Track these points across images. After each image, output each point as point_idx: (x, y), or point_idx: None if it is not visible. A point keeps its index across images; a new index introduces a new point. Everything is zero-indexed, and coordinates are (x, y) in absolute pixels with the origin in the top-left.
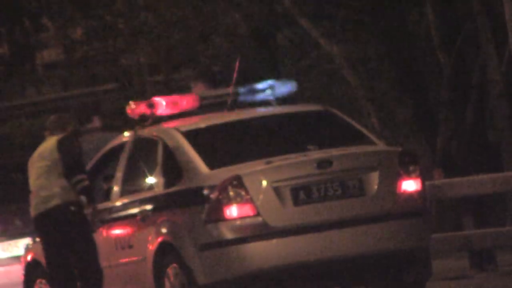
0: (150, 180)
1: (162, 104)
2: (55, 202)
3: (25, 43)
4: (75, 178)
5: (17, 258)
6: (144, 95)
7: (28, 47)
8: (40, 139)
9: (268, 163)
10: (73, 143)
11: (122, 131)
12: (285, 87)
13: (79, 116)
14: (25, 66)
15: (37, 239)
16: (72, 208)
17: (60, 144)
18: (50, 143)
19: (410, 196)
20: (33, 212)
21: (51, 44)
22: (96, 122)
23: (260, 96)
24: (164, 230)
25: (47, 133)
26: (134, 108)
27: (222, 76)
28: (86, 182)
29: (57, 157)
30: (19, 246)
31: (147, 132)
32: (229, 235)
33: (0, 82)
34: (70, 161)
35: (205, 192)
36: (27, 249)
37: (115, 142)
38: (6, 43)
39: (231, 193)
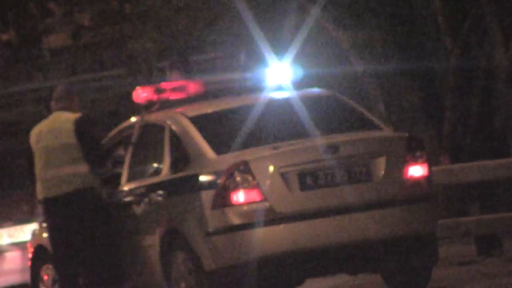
0: (157, 165)
1: (169, 90)
2: (72, 186)
3: (31, 29)
4: (105, 168)
5: (23, 244)
6: (151, 81)
7: (34, 32)
8: None
9: (275, 148)
10: (92, 125)
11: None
12: (291, 73)
13: (49, 106)
14: (31, 52)
15: (44, 224)
16: (93, 193)
17: (78, 127)
18: (63, 120)
19: (416, 181)
20: (43, 194)
21: (57, 29)
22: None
23: (266, 82)
24: (170, 216)
25: (52, 103)
26: (141, 94)
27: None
28: (112, 171)
29: (74, 141)
30: (26, 232)
31: (154, 117)
32: (236, 220)
33: (7, 67)
34: (95, 148)
35: (212, 177)
36: (34, 235)
37: (122, 127)
38: (12, 29)
39: (238, 179)
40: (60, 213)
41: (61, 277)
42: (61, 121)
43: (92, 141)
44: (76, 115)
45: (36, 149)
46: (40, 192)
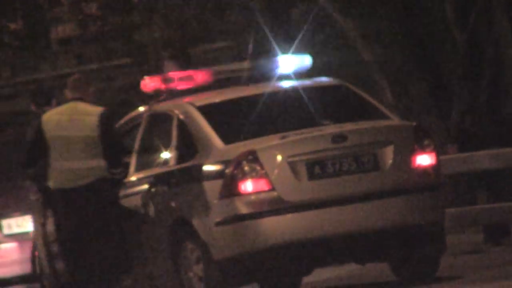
0: (165, 155)
1: (177, 79)
2: (90, 179)
3: (39, 18)
4: (121, 168)
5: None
6: (158, 70)
7: (42, 22)
8: None
9: (283, 137)
10: (114, 120)
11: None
12: (300, 62)
13: (37, 99)
14: (39, 42)
15: (52, 214)
16: (106, 183)
17: (103, 121)
18: (85, 112)
19: (424, 170)
20: (57, 184)
21: (65, 19)
22: (54, 105)
23: (275, 71)
24: (179, 206)
25: (67, 92)
26: (149, 83)
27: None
28: (126, 172)
29: (96, 135)
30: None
31: (161, 107)
32: (244, 210)
33: (15, 57)
34: (115, 145)
35: (220, 167)
36: None
37: (130, 117)
38: (20, 18)
39: (246, 168)
40: (75, 204)
41: (70, 268)
42: (83, 113)
43: (113, 138)
44: (101, 109)
45: (51, 136)
46: (54, 181)
